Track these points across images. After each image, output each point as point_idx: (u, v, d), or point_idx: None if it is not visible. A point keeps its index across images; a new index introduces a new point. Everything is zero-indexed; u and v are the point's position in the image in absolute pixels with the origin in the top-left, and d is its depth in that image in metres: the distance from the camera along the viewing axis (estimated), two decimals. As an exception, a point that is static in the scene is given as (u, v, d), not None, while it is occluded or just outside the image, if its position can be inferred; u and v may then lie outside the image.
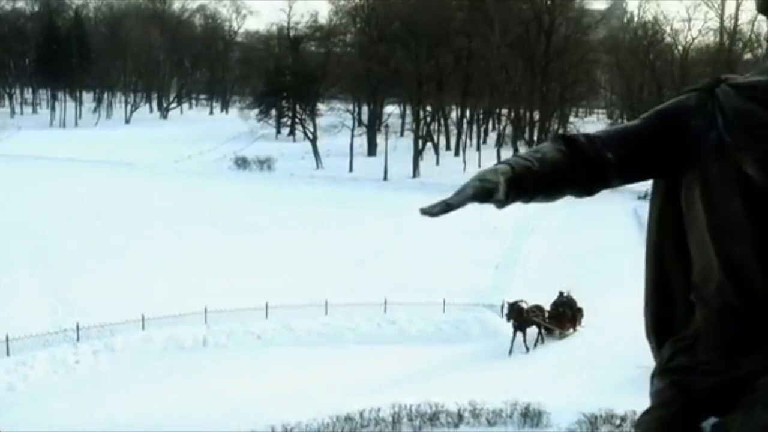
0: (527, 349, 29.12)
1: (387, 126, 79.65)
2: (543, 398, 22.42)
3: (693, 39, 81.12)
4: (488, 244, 46.06)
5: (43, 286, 33.72)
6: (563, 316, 31.06)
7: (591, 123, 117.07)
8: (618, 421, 21.49)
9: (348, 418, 20.65)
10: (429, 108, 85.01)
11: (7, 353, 25.03)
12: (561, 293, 31.32)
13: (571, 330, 31.24)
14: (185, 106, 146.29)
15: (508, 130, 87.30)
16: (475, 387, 24.05)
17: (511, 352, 28.63)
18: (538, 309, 30.02)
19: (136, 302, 29.44)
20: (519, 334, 29.03)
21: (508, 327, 31.23)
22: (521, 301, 29.26)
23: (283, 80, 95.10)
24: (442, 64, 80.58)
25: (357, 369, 25.34)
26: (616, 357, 28.12)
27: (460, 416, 21.44)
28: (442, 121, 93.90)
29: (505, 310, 29.41)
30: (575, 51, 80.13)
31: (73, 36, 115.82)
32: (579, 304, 31.29)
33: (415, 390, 23.84)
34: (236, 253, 41.01)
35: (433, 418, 21.28)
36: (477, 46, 77.75)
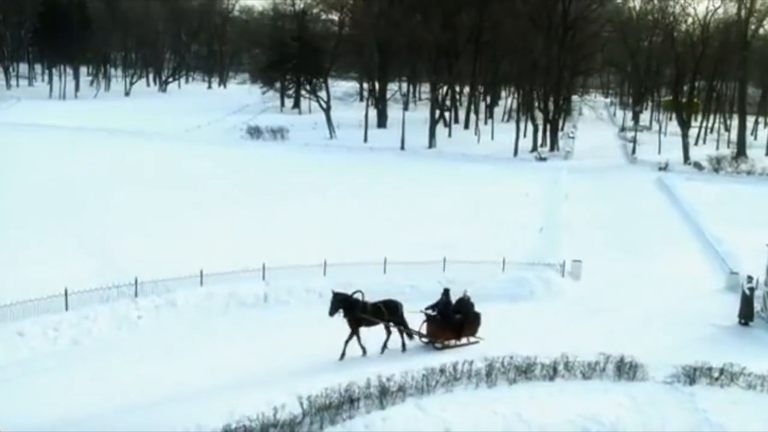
0: (363, 350, 22.24)
1: (404, 95, 78.62)
2: (628, 352, 21.62)
3: (715, 9, 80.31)
4: (523, 209, 45.66)
5: (90, 245, 32.75)
6: (446, 321, 23.59)
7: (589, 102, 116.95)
8: (716, 374, 20.72)
9: (441, 371, 19.77)
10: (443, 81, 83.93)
11: (66, 308, 23.94)
12: (446, 291, 24.16)
13: (453, 342, 23.64)
14: (182, 80, 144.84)
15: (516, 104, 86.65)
16: (553, 342, 23.30)
17: (363, 353, 22.23)
18: (386, 306, 22.82)
19: (182, 260, 28.52)
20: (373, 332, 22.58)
21: (574, 286, 30.62)
22: (357, 291, 22.71)
23: (290, 51, 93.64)
24: (459, 34, 79.38)
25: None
26: (687, 315, 27.66)
27: (554, 369, 20.60)
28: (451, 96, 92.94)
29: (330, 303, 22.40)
30: (593, 22, 79.37)
31: (73, 6, 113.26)
32: (476, 309, 24.19)
33: (492, 345, 23.04)
34: (280, 214, 40.62)
35: (528, 370, 20.43)
36: (497, 15, 76.73)
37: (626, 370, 20.93)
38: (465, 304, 24.11)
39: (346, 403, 17.96)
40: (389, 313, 22.81)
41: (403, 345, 23.28)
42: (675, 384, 20.71)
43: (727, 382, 20.73)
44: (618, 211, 47.02)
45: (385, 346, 22.87)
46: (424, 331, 23.81)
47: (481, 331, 24.22)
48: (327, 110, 79.86)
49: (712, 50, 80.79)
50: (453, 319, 23.73)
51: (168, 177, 50.10)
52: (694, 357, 21.49)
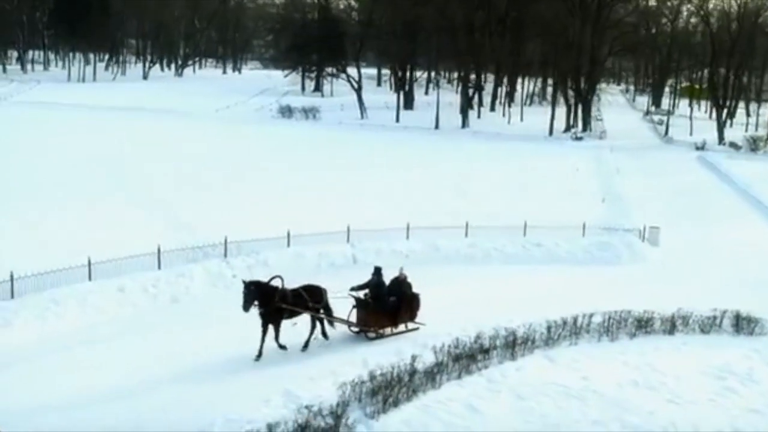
0: (281, 346, 18.27)
1: (439, 74, 78.21)
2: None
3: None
4: (577, 182, 45.38)
5: (156, 213, 32.45)
6: (379, 306, 19.53)
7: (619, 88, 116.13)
8: (838, 330, 20.44)
9: (564, 323, 19.42)
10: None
11: (158, 266, 23.63)
12: (377, 270, 19.83)
13: (389, 329, 19.72)
14: (196, 65, 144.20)
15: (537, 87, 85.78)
16: (659, 299, 22.90)
17: (259, 355, 17.92)
18: (308, 292, 18.97)
19: (259, 227, 28.11)
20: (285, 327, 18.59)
21: (654, 251, 30.27)
22: (276, 276, 18.62)
23: (312, 34, 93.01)
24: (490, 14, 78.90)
25: (527, 285, 24.22)
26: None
27: (672, 323, 20.25)
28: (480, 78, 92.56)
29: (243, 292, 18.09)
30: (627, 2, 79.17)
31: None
32: (414, 290, 20.00)
33: (603, 303, 22.59)
34: (340, 183, 40.67)
35: (647, 324, 20.08)
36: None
37: (743, 324, 20.63)
38: (401, 284, 19.84)
39: (478, 353, 17.63)
40: (312, 299, 18.96)
41: (324, 332, 19.37)
42: (797, 339, 20.42)
43: None
44: (670, 185, 46.89)
45: (307, 342, 18.89)
46: (353, 318, 19.77)
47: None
48: (358, 90, 79.42)
49: (744, 32, 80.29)
50: (387, 303, 19.57)
51: (217, 152, 49.78)
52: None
